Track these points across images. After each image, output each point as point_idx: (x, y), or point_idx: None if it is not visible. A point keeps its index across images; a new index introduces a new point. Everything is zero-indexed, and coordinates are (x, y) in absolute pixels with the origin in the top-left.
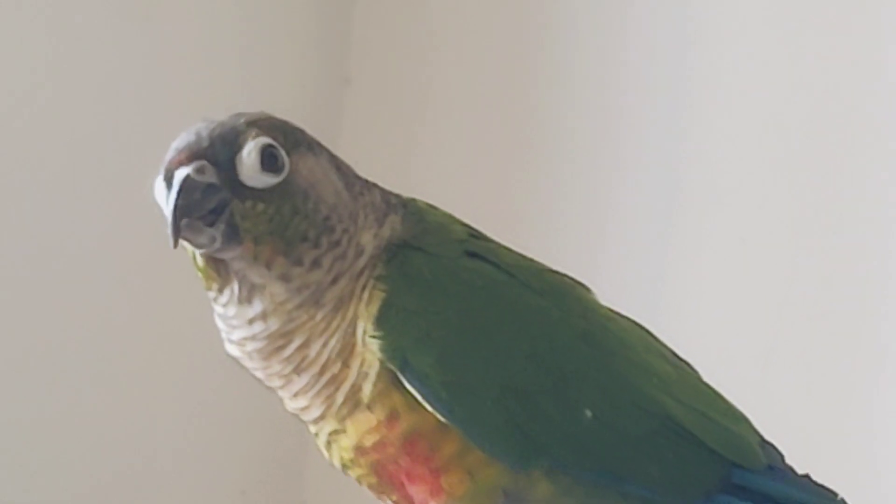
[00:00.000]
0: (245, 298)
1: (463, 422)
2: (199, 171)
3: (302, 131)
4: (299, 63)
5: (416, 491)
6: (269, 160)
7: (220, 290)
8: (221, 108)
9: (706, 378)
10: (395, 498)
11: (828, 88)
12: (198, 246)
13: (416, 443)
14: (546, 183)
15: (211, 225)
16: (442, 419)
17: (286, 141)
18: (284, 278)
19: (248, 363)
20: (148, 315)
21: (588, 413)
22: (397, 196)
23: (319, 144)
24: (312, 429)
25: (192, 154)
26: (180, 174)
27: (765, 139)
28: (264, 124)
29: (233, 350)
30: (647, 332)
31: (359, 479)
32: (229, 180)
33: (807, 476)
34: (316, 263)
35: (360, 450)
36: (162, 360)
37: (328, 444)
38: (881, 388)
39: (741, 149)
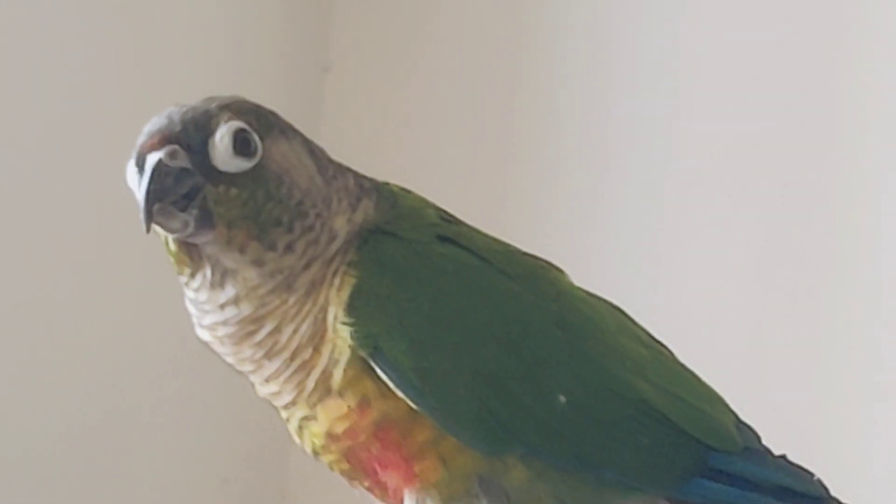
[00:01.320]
0: (217, 283)
1: (435, 409)
2: (172, 155)
3: (275, 115)
4: (279, 51)
5: (389, 477)
6: (241, 144)
7: (192, 275)
8: (201, 96)
9: (690, 362)
10: (367, 484)
11: (809, 79)
12: (170, 231)
13: (387, 430)
14: (528, 169)
15: (184, 210)
16: (413, 406)
17: (259, 125)
18: (257, 263)
19: (218, 348)
20: (126, 303)
21: (562, 399)
22: (370, 180)
23: (292, 128)
24: (283, 414)
25: (164, 138)
26: (152, 159)
27: (749, 129)
28: (237, 108)
29: (203, 335)
30: (622, 312)
31: (330, 465)
32: (202, 165)
33: (783, 457)
34: (289, 248)
35: (331, 436)
36: (142, 349)
37: (299, 429)
38: (863, 372)
39: (726, 136)
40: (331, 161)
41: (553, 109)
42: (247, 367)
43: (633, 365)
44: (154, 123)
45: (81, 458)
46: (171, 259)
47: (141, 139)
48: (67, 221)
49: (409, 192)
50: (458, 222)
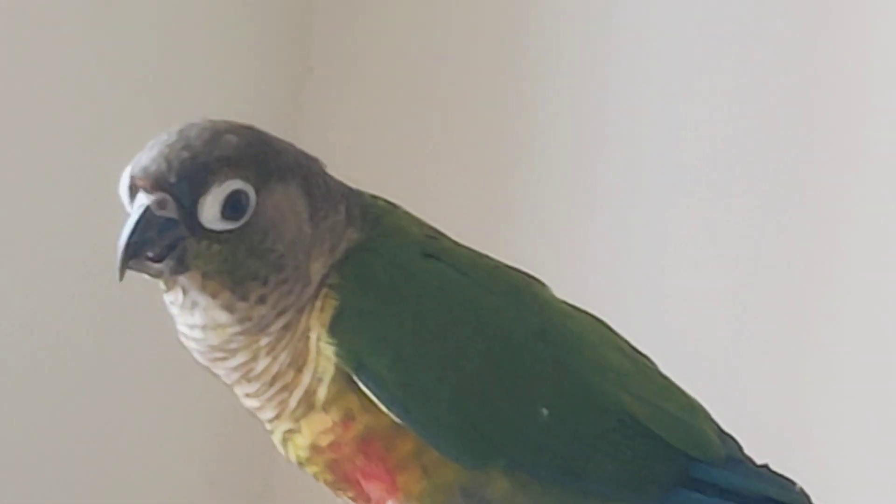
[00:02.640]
0: (188, 308)
1: (418, 423)
2: (161, 204)
3: (277, 154)
4: (261, 52)
5: (373, 489)
6: (232, 208)
7: (168, 289)
8: (183, 99)
9: (670, 366)
10: (351, 495)
11: (794, 75)
12: (145, 273)
13: (371, 443)
14: (513, 171)
15: (160, 260)
16: (397, 420)
17: (258, 177)
18: (228, 309)
19: (197, 357)
20: (110, 303)
21: (544, 412)
22: (360, 200)
23: (293, 167)
24: (268, 426)
25: (157, 185)
26: (141, 201)
27: (733, 135)
28: (237, 159)
29: (185, 342)
30: (604, 324)
31: (315, 476)
32: (188, 218)
33: (765, 466)
34: (261, 300)
35: (315, 449)
36: (126, 350)
37: (284, 440)
38: (846, 377)
39: (707, 132)
40: (327, 194)
41: (538, 112)
42: (225, 380)
43: (616, 377)
44: (151, 158)
45: (64, 459)
46: None
47: (138, 168)
48: (48, 219)
49: (395, 207)
50: (442, 238)
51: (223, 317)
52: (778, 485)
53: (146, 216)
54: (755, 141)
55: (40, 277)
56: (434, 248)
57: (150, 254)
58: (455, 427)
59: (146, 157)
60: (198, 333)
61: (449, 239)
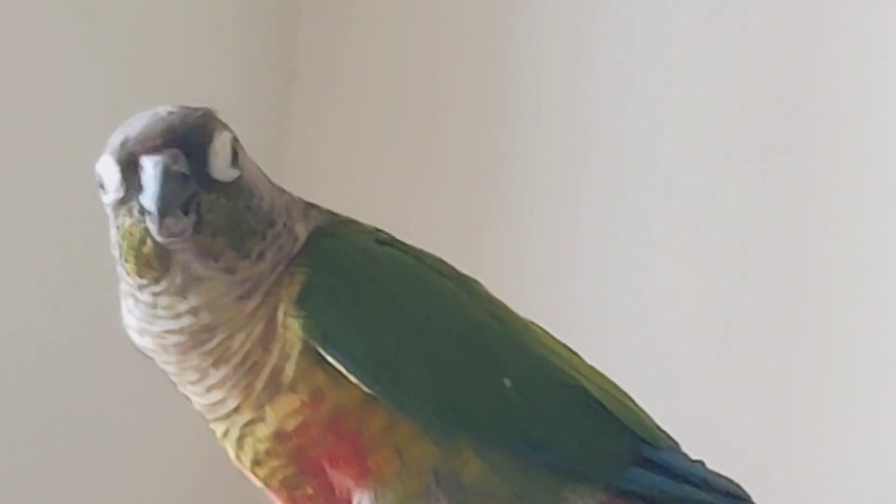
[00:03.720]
0: (180, 290)
1: (389, 392)
2: (174, 159)
3: None
4: (247, 58)
5: (339, 476)
6: (233, 155)
7: (157, 280)
8: (168, 104)
9: (656, 373)
10: (311, 491)
11: (781, 80)
12: (171, 235)
13: (341, 420)
14: (497, 174)
15: (185, 214)
16: (367, 390)
17: (234, 134)
18: (229, 271)
19: (160, 356)
20: (94, 311)
21: (507, 382)
22: (294, 196)
23: None
24: (220, 427)
25: (166, 140)
26: (153, 161)
27: (720, 139)
28: (218, 118)
29: (145, 342)
30: (540, 327)
31: (269, 477)
32: (198, 172)
33: (700, 461)
34: (261, 256)
35: (279, 436)
36: (110, 356)
37: (240, 439)
38: (834, 381)
39: (694, 139)
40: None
41: (523, 117)
42: (189, 377)
43: (567, 361)
44: (147, 124)
45: (49, 467)
46: (134, 261)
47: (132, 139)
48: (34, 219)
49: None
50: (386, 233)
51: (223, 282)
52: (718, 476)
53: (168, 171)
54: (743, 146)
55: (23, 280)
56: (385, 238)
57: (177, 210)
58: (422, 393)
59: (137, 128)
60: (187, 320)
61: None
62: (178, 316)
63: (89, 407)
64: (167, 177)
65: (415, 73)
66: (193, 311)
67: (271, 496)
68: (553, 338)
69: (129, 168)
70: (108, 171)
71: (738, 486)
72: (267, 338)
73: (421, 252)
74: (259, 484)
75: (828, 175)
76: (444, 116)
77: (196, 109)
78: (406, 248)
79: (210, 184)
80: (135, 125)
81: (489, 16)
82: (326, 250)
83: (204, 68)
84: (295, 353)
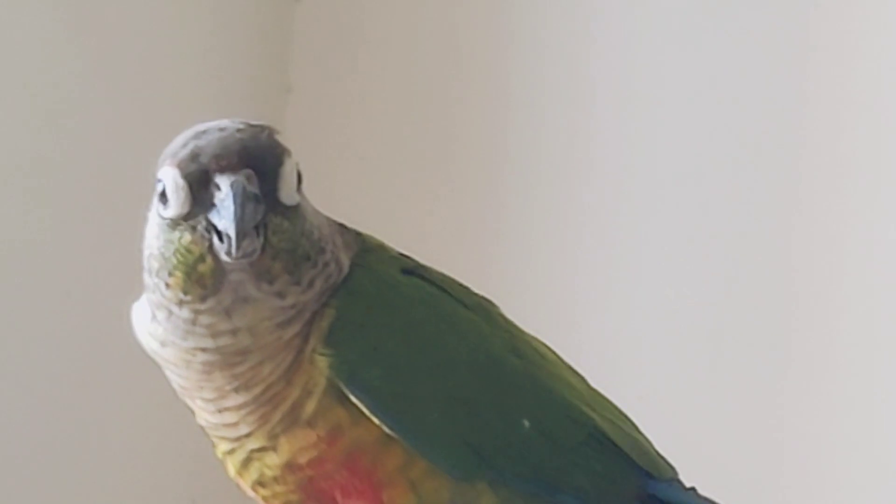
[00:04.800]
0: (227, 311)
1: (410, 433)
2: (249, 180)
3: None
4: (240, 71)
5: None
6: (299, 179)
7: (203, 299)
8: (162, 119)
9: (649, 380)
10: None
11: (774, 84)
12: (245, 256)
13: (357, 458)
14: (493, 187)
15: (257, 236)
16: (388, 431)
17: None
18: (280, 295)
19: (178, 369)
20: (90, 317)
21: (526, 423)
22: (328, 218)
23: None
24: (225, 445)
25: (242, 160)
26: (230, 180)
27: (708, 148)
28: (283, 142)
29: (166, 353)
30: (549, 347)
31: (271, 498)
32: (267, 194)
33: (693, 489)
34: (311, 284)
35: (290, 466)
36: (107, 365)
37: (246, 461)
38: (827, 384)
39: (688, 142)
40: None
41: (520, 128)
42: (204, 395)
43: (579, 394)
44: (222, 141)
45: (42, 477)
46: (184, 278)
47: (206, 154)
48: (29, 223)
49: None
50: (409, 258)
51: (271, 306)
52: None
53: (245, 192)
54: (737, 149)
55: (17, 284)
56: (410, 265)
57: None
58: (446, 437)
59: (211, 143)
60: (224, 340)
61: (418, 261)
62: (216, 335)
63: (86, 408)
64: (246, 197)
65: (408, 85)
66: (234, 332)
67: None
68: (562, 362)
69: (200, 184)
70: (175, 184)
71: None
72: (291, 371)
73: (443, 278)
74: (257, 499)
75: (823, 178)
76: (437, 129)
77: (262, 128)
78: (430, 276)
79: (276, 206)
80: (206, 139)
81: (483, 27)
82: (353, 283)
83: (197, 80)
84: (318, 390)
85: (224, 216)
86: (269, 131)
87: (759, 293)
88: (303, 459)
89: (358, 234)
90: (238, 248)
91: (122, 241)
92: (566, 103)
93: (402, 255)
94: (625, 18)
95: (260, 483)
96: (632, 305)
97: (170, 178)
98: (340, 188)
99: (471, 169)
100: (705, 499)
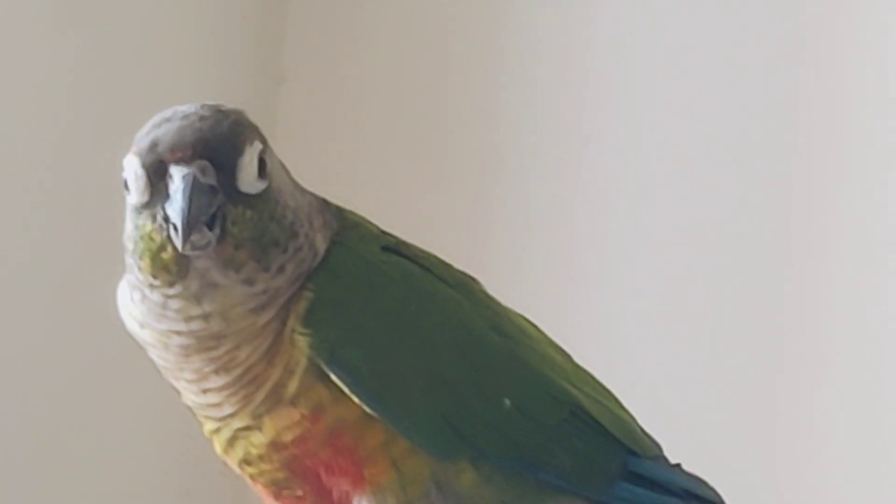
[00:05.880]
0: (195, 297)
1: (391, 413)
2: (203, 172)
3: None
4: (233, 62)
5: (336, 482)
6: (261, 166)
7: (171, 284)
8: (154, 109)
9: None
10: (300, 493)
11: (767, 80)
12: (195, 248)
13: (340, 435)
14: (487, 180)
15: (210, 228)
16: (369, 411)
17: (263, 139)
18: (248, 282)
19: (157, 351)
20: (84, 309)
21: (507, 402)
22: (312, 193)
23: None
24: (211, 424)
25: (196, 152)
26: (182, 172)
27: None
28: (250, 125)
29: (144, 335)
30: (532, 323)
31: (258, 476)
32: (226, 184)
33: (678, 465)
34: (281, 269)
35: (275, 445)
36: (101, 357)
37: (232, 439)
38: (822, 376)
39: (681, 138)
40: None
41: (513, 119)
42: (185, 376)
43: (561, 371)
44: (180, 130)
45: (38, 469)
46: (150, 263)
47: (162, 144)
48: (27, 220)
49: (346, 209)
50: (395, 237)
51: (239, 293)
52: (696, 482)
53: (196, 185)
54: (731, 145)
55: (14, 278)
56: (391, 242)
57: (206, 224)
58: (426, 416)
59: (169, 133)
60: (196, 325)
61: (400, 238)
62: (188, 319)
63: (81, 400)
64: (196, 191)
65: (402, 75)
66: (205, 318)
67: (256, 489)
68: (546, 339)
69: (157, 174)
70: (134, 173)
71: (711, 488)
72: (272, 352)
73: (424, 255)
74: (244, 477)
75: (816, 173)
76: (432, 118)
77: (227, 115)
78: (411, 254)
79: (236, 196)
80: (165, 128)
81: (479, 17)
82: (333, 262)
83: (189, 71)
84: (300, 369)
85: (173, 208)
86: (234, 118)
87: (753, 278)
88: (287, 438)
89: (339, 211)
90: (185, 241)
91: (115, 231)
92: (561, 90)
93: (383, 232)
94: (621, 11)
95: (246, 461)
96: (627, 291)
97: (130, 166)
98: (333, 178)
99: (465, 159)
100: (690, 475)
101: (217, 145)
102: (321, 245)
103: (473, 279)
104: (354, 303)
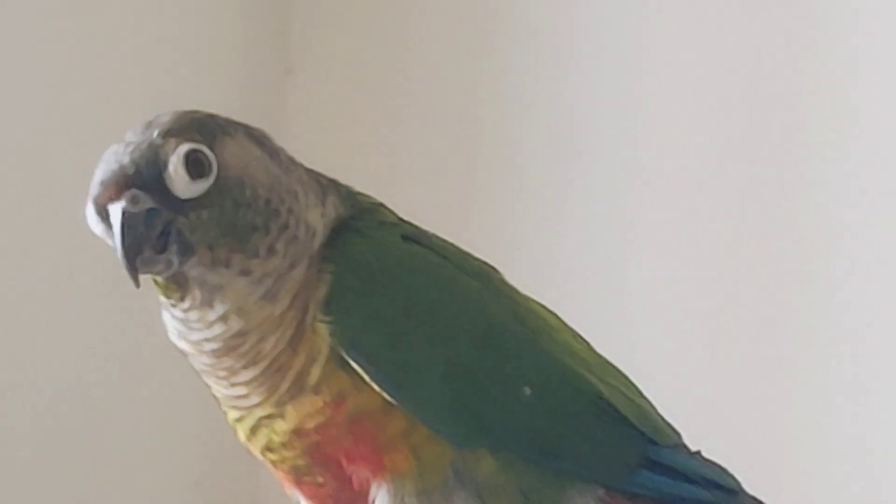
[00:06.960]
0: (206, 302)
1: (410, 401)
2: (133, 201)
3: (212, 116)
4: (241, 53)
5: (357, 470)
6: (195, 167)
7: (182, 299)
8: (161, 102)
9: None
10: (321, 479)
11: (767, 75)
12: (157, 273)
13: (361, 423)
14: (492, 170)
15: (162, 251)
16: (389, 399)
17: (204, 137)
18: (244, 273)
19: (196, 358)
20: (96, 303)
21: (527, 391)
22: (321, 174)
23: (231, 122)
24: (235, 413)
25: (120, 186)
26: (115, 210)
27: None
28: (178, 129)
29: (183, 345)
30: (552, 312)
31: (279, 462)
32: (165, 199)
33: (698, 452)
34: (271, 250)
35: (298, 432)
36: (112, 350)
37: (255, 427)
38: (826, 366)
39: (682, 132)
40: (280, 148)
41: (517, 111)
42: (219, 374)
43: (582, 361)
44: (104, 171)
45: (49, 460)
46: (157, 288)
47: (95, 189)
48: (34, 221)
49: (361, 192)
50: (411, 224)
51: (242, 285)
52: (716, 469)
53: (126, 217)
54: (731, 138)
55: (28, 281)
56: (410, 231)
57: (149, 251)
58: (446, 405)
59: (97, 176)
60: (219, 328)
61: (416, 225)
62: (210, 325)
63: (94, 393)
64: (124, 225)
65: (407, 65)
66: (223, 319)
67: (277, 475)
68: (566, 327)
69: (104, 217)
70: (94, 221)
71: (731, 475)
72: (295, 340)
73: (444, 244)
74: (266, 464)
75: (818, 167)
76: (437, 108)
77: (150, 131)
78: (431, 243)
79: (182, 205)
80: (97, 172)
81: (480, 9)
82: (353, 249)
83: (197, 63)
84: (322, 357)
85: (115, 246)
86: (156, 131)
87: (770, 265)
88: (310, 425)
89: (351, 193)
90: (131, 272)
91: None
92: (570, 81)
93: (402, 220)
94: (629, 7)
95: (268, 448)
96: (646, 280)
97: (89, 209)
98: (340, 168)
99: (473, 149)
100: (710, 462)
101: (136, 171)
102: (317, 222)
103: (493, 268)
104: (374, 291)
